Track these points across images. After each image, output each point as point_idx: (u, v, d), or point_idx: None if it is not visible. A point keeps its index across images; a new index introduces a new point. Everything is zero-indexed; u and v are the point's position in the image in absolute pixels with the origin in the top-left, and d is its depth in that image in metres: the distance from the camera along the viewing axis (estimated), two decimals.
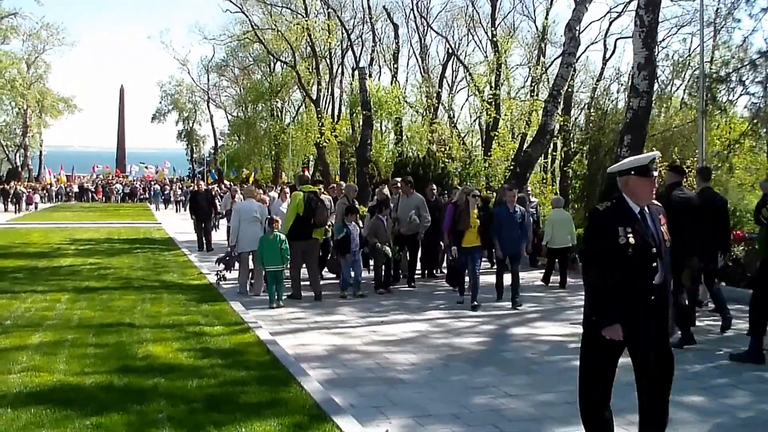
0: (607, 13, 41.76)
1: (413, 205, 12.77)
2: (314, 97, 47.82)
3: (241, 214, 11.96)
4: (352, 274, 11.81)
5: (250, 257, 11.99)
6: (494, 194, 17.95)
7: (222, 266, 12.24)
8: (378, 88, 38.31)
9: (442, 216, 12.41)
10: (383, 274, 12.28)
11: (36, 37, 57.89)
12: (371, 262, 12.75)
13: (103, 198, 59.85)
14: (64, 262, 15.80)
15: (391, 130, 48.68)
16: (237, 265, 12.18)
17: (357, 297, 11.58)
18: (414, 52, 52.81)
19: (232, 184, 41.45)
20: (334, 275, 13.12)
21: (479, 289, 10.82)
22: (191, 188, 28.93)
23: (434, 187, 14.56)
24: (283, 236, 11.04)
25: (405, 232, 12.74)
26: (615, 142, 19.95)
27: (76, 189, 60.72)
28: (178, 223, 30.40)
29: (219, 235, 20.87)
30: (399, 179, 13.63)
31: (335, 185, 14.65)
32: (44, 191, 56.09)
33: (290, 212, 11.46)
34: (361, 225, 12.43)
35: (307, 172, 37.23)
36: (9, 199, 43.63)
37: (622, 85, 37.68)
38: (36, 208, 45.88)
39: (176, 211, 43.44)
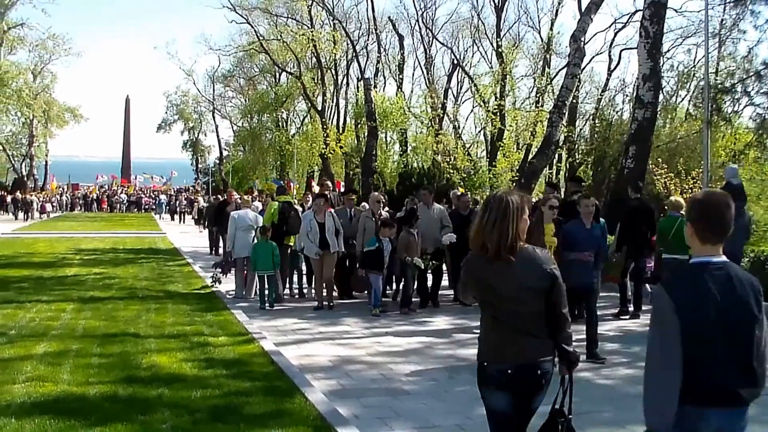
0: (612, 24, 41.85)
1: (437, 217, 11.72)
2: (319, 108, 47.92)
3: (237, 223, 12.66)
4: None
5: (245, 262, 12.58)
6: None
7: (218, 270, 13.27)
8: (383, 99, 38.43)
9: None
10: (413, 290, 11.45)
11: (42, 48, 58.09)
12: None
13: (108, 208, 60.10)
14: (69, 272, 15.83)
15: (396, 141, 48.79)
16: (233, 270, 13.02)
17: (373, 315, 10.83)
18: (419, 63, 52.93)
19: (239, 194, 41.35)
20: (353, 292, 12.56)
21: None
22: (214, 198, 27.89)
23: (468, 197, 13.22)
24: (275, 243, 11.77)
25: (428, 249, 11.48)
26: (620, 152, 19.97)
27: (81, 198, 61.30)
28: (182, 233, 30.48)
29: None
30: (424, 190, 12.71)
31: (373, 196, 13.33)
32: (55, 200, 56.61)
33: (266, 220, 12.48)
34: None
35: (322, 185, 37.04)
36: (19, 208, 45.20)
37: (627, 96, 37.86)
38: (48, 216, 47.15)
39: (180, 221, 43.51)
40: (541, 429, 3.82)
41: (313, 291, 12.38)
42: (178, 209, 46.65)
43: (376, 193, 13.82)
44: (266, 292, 11.60)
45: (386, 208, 13.45)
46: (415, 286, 11.66)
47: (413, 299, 11.50)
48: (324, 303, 11.53)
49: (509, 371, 3.66)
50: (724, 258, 3.05)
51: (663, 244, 10.43)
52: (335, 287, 12.16)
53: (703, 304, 2.93)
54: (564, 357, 3.75)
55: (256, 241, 12.17)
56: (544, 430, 3.82)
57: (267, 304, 11.52)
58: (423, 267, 11.16)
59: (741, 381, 2.96)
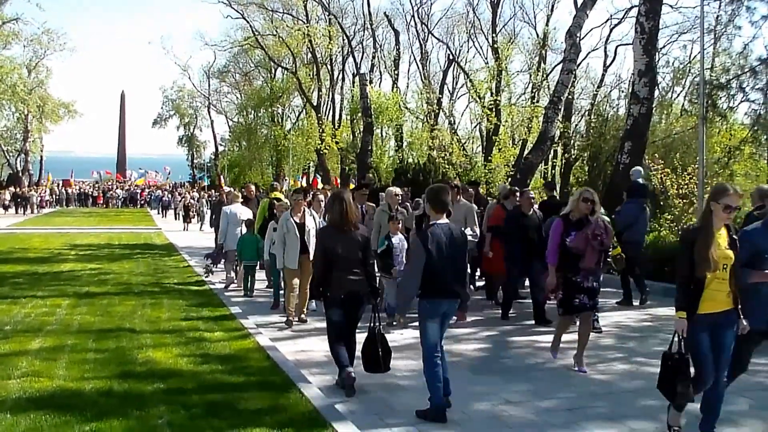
0: (608, 19, 41.68)
1: (460, 217, 9.83)
2: (315, 103, 47.89)
3: (229, 218, 13.25)
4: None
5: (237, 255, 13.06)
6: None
7: (210, 261, 14.11)
8: (379, 95, 38.41)
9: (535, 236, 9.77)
10: None
11: (37, 43, 57.58)
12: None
13: (104, 203, 59.92)
14: (65, 268, 15.80)
15: (391, 137, 48.74)
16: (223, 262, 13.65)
17: (388, 324, 9.38)
18: (415, 59, 52.79)
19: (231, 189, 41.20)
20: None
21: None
22: (218, 194, 24.75)
23: (531, 194, 10.94)
24: (259, 236, 12.40)
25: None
26: (616, 148, 19.98)
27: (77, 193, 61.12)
28: (178, 229, 30.42)
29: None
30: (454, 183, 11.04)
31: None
32: (53, 196, 56.54)
33: (259, 215, 13.11)
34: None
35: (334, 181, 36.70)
36: (19, 203, 46.13)
37: (622, 91, 37.92)
38: (43, 210, 47.88)
39: (176, 218, 43.21)
40: (364, 342, 6.67)
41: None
42: (172, 205, 46.17)
43: (394, 187, 11.44)
44: (249, 279, 12.41)
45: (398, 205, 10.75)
46: None
47: None
48: (294, 317, 9.84)
49: (342, 297, 6.55)
50: (446, 220, 5.86)
51: None
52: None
53: (437, 244, 5.64)
54: (372, 289, 6.74)
55: (240, 234, 12.87)
56: (366, 341, 6.67)
57: (250, 292, 12.33)
58: None
59: (456, 284, 5.79)
